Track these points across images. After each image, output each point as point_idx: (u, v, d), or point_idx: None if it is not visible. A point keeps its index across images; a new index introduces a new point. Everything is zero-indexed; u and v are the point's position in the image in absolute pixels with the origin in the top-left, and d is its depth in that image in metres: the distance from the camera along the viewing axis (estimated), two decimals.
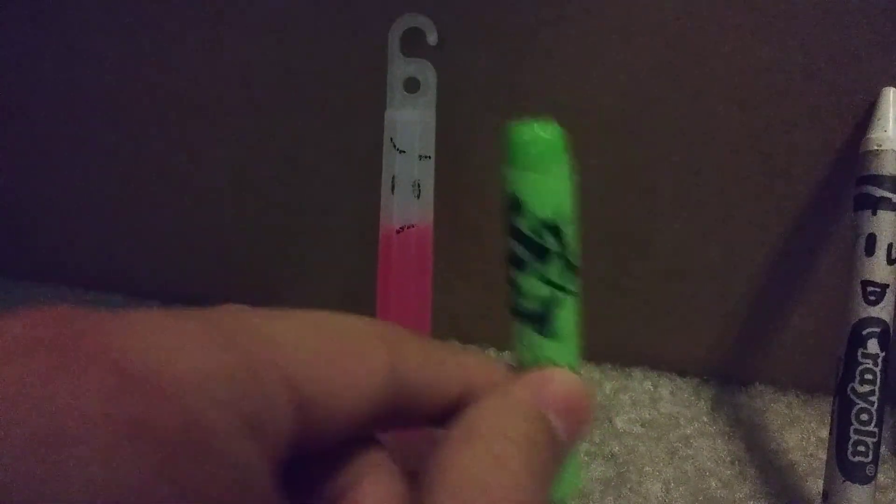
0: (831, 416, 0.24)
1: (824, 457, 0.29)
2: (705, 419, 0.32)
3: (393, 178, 0.29)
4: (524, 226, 0.25)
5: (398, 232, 0.29)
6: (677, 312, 0.33)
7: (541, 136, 0.25)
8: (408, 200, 0.29)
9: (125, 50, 0.33)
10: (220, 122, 0.34)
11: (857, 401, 0.19)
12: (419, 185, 0.29)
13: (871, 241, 0.20)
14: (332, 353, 0.14)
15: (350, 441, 0.16)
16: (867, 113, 0.26)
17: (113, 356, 0.11)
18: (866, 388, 0.19)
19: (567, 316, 0.23)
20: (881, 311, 0.20)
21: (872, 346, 0.20)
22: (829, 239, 0.30)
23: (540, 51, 0.29)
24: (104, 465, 0.10)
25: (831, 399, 0.32)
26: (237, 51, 0.32)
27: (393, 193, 0.29)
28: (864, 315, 0.20)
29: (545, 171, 0.25)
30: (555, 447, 0.16)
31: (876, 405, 0.19)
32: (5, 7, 0.33)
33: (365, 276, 0.30)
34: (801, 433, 0.31)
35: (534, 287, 0.24)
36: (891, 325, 0.20)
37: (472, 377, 0.18)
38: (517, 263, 0.24)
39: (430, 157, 0.29)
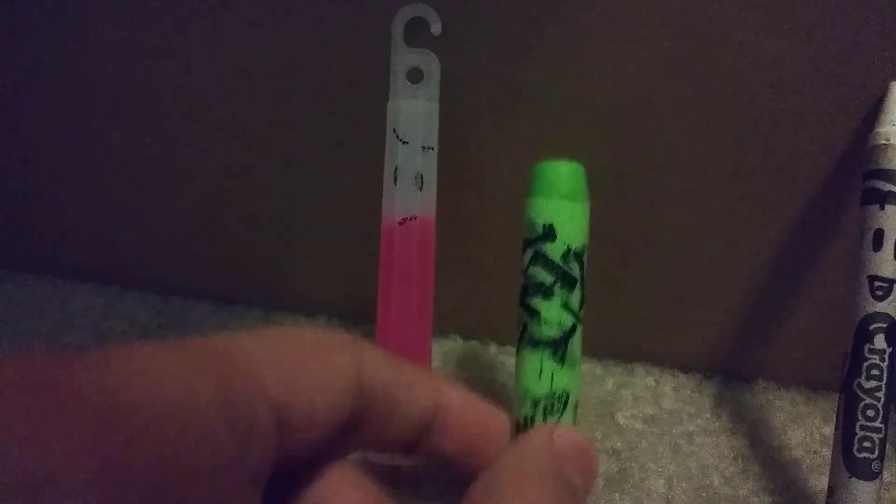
0: (836, 412, 0.24)
1: (828, 454, 0.29)
2: (708, 415, 0.32)
3: (395, 169, 0.28)
4: (555, 254, 0.25)
5: (400, 224, 0.28)
6: (680, 308, 0.33)
7: (575, 169, 0.26)
8: (410, 192, 0.28)
9: (124, 43, 0.33)
10: (221, 113, 0.33)
11: (864, 396, 0.19)
12: (422, 177, 0.29)
13: (879, 235, 0.20)
14: (302, 358, 0.15)
15: (324, 460, 0.17)
16: (874, 107, 0.26)
17: (89, 396, 0.11)
18: (873, 383, 0.19)
19: (578, 344, 0.23)
20: (888, 307, 0.20)
21: (879, 341, 0.20)
22: (833, 234, 0.29)
23: (544, 43, 0.29)
24: None
25: (835, 396, 0.32)
26: (238, 43, 0.32)
27: (395, 185, 0.28)
28: (872, 310, 0.20)
29: (579, 202, 0.25)
30: (575, 502, 0.17)
31: (882, 401, 0.19)
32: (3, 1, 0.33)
33: (368, 269, 0.30)
34: (805, 430, 0.30)
35: (557, 315, 0.24)
36: None
37: (445, 401, 0.18)
38: (542, 291, 0.24)
39: (432, 149, 0.29)
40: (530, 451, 0.17)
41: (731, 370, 0.34)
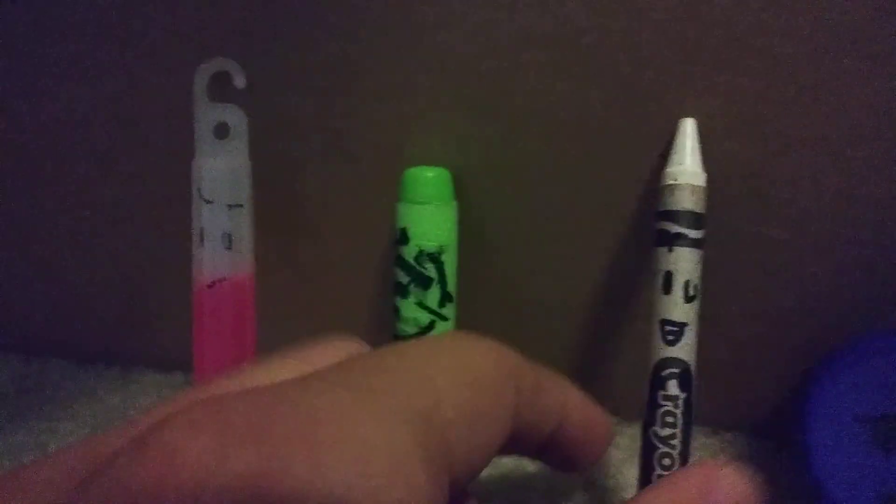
0: (638, 461, 0.23)
1: None
2: None
3: (201, 230, 0.28)
4: (408, 255, 0.26)
5: (209, 287, 0.28)
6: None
7: (426, 175, 0.27)
8: (218, 252, 0.28)
9: None
10: (35, 174, 0.32)
11: (659, 445, 0.18)
12: (230, 236, 0.28)
13: (669, 278, 0.19)
14: (480, 412, 0.14)
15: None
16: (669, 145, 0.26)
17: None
18: (667, 431, 0.19)
19: None
20: (680, 351, 0.19)
21: (672, 387, 0.19)
22: (640, 275, 0.29)
23: (351, 89, 0.28)
24: None
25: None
26: (57, 103, 0.31)
27: (202, 246, 0.28)
28: (665, 355, 0.19)
29: (428, 205, 0.27)
30: None
31: (679, 448, 0.19)
32: None
33: (185, 333, 0.29)
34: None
35: (413, 312, 0.27)
36: (692, 364, 0.19)
37: (570, 408, 0.17)
38: (399, 291, 0.27)
39: (241, 206, 0.28)
40: (684, 495, 0.15)
41: None
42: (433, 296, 0.27)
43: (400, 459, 0.11)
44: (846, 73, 0.24)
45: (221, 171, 0.27)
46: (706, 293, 0.28)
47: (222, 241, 0.28)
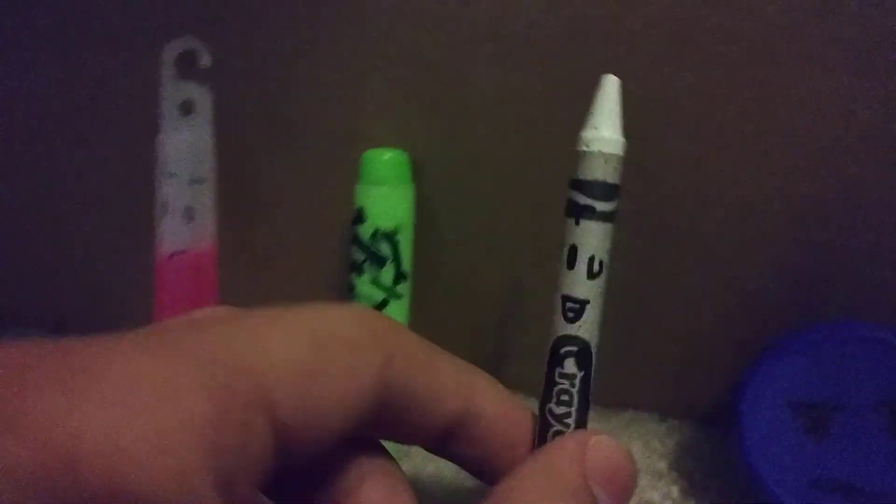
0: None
1: None
2: None
3: (164, 203, 0.28)
4: (364, 234, 0.27)
5: (169, 258, 0.28)
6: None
7: (383, 157, 0.28)
8: (179, 226, 0.28)
9: None
10: (2, 150, 0.33)
11: (553, 422, 0.18)
12: (192, 209, 0.28)
13: (573, 252, 0.18)
14: (320, 368, 0.13)
15: (352, 443, 0.15)
16: None
17: (52, 432, 0.10)
18: (562, 409, 0.18)
19: (396, 317, 0.25)
20: (580, 329, 0.18)
21: (570, 365, 0.18)
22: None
23: (301, 77, 0.29)
24: None
25: (628, 413, 0.32)
26: (24, 75, 0.32)
27: (163, 219, 0.28)
28: (563, 332, 0.18)
29: (383, 186, 0.28)
30: None
31: (573, 427, 0.18)
32: None
33: (146, 305, 0.29)
34: None
35: (368, 290, 0.27)
36: (593, 343, 0.19)
37: (477, 400, 0.17)
38: (355, 268, 0.28)
39: (203, 181, 0.29)
40: (558, 461, 0.16)
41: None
42: (387, 274, 0.28)
43: (170, 394, 0.11)
44: (782, 71, 0.25)
45: (185, 146, 0.28)
46: (654, 284, 0.29)
47: (184, 215, 0.28)
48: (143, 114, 0.30)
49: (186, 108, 0.29)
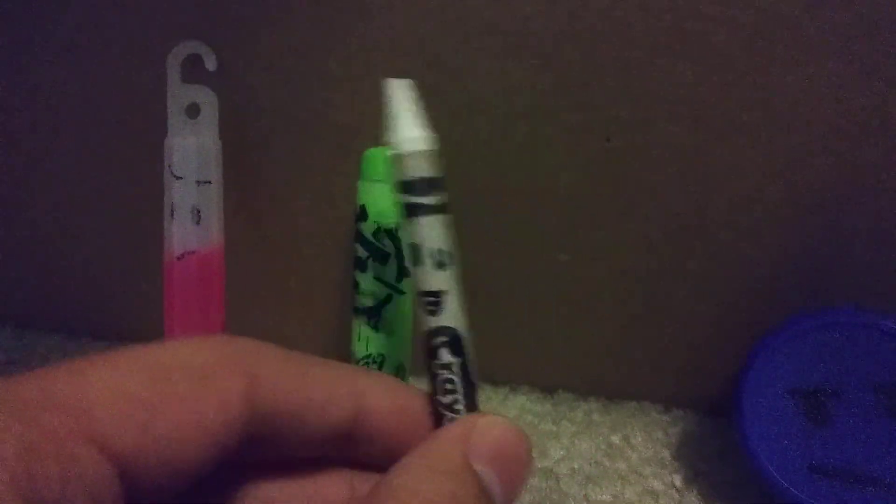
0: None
1: (611, 464, 0.30)
2: None
3: (172, 204, 0.29)
4: (367, 231, 0.27)
5: (178, 259, 0.29)
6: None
7: (385, 155, 0.28)
8: (186, 227, 0.29)
9: None
10: (16, 155, 0.34)
11: (445, 412, 0.18)
12: (199, 211, 0.29)
13: (416, 250, 0.18)
14: (158, 400, 0.13)
15: (223, 473, 0.15)
16: None
17: None
18: (449, 398, 0.18)
19: (397, 312, 0.27)
20: (445, 319, 0.18)
21: (444, 355, 0.18)
22: None
23: (313, 73, 0.29)
24: None
25: (631, 404, 0.33)
26: (34, 79, 0.32)
27: (171, 220, 0.29)
28: (430, 325, 0.18)
29: (386, 184, 0.28)
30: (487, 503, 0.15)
31: (463, 412, 0.18)
32: None
33: (157, 305, 0.30)
34: (593, 440, 0.31)
35: (371, 286, 0.28)
36: (461, 329, 0.18)
37: (369, 399, 0.17)
38: (359, 265, 0.28)
39: (209, 182, 0.29)
40: (441, 445, 0.16)
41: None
42: (391, 270, 0.28)
43: None
44: (780, 60, 0.25)
45: (191, 148, 0.29)
46: (657, 274, 0.29)
47: (191, 216, 0.29)
48: (151, 117, 0.30)
49: (193, 111, 0.29)
